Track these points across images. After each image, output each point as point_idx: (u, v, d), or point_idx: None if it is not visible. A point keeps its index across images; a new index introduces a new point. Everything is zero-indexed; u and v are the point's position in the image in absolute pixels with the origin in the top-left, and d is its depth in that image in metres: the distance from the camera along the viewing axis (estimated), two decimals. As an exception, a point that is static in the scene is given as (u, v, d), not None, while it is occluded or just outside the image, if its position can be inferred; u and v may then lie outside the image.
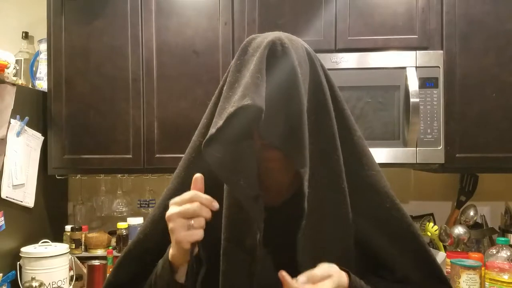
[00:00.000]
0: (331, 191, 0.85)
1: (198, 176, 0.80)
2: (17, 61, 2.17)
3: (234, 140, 0.77)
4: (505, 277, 1.64)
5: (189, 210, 0.77)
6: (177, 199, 0.79)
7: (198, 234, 0.77)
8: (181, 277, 0.84)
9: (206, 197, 0.78)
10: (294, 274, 0.76)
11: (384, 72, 1.88)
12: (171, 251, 0.83)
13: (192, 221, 0.77)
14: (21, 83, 2.09)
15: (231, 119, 0.76)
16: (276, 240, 0.85)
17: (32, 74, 2.28)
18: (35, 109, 2.03)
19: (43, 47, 2.17)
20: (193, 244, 0.78)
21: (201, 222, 0.77)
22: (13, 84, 1.85)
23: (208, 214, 0.78)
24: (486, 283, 1.69)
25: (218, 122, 0.78)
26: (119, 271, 0.95)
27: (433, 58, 1.87)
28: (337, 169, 0.85)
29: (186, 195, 0.79)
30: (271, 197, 0.88)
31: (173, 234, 0.78)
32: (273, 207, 0.87)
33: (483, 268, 1.73)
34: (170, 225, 0.78)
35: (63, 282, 1.85)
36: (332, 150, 0.85)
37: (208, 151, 0.78)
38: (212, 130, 0.77)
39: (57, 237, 2.13)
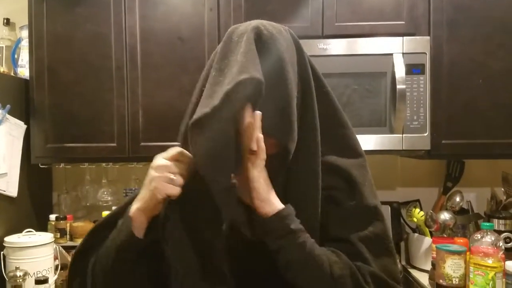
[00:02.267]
0: (308, 168, 0.88)
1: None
2: (-2, 48, 2.13)
3: (227, 122, 0.76)
4: (489, 261, 1.66)
5: (175, 167, 0.81)
6: (165, 153, 0.83)
7: (175, 189, 0.80)
8: (139, 233, 0.85)
9: (189, 155, 0.82)
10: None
11: (371, 58, 1.87)
12: (136, 205, 0.84)
13: (174, 177, 0.80)
14: (3, 71, 2.06)
15: (229, 96, 0.74)
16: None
17: (14, 61, 2.24)
18: (17, 97, 1.99)
19: (25, 34, 2.12)
20: (165, 199, 0.82)
21: (181, 180, 0.81)
22: (-6, 72, 1.82)
23: (187, 177, 0.82)
24: (470, 267, 1.70)
25: (211, 102, 0.75)
26: (88, 240, 0.97)
27: (420, 44, 1.86)
28: (315, 157, 0.87)
29: (174, 150, 0.83)
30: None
31: (152, 182, 0.81)
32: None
33: (468, 253, 1.74)
34: (153, 174, 0.81)
35: (48, 272, 1.83)
36: (313, 138, 0.87)
37: (195, 132, 0.77)
38: (206, 109, 0.75)
39: (42, 227, 2.11)
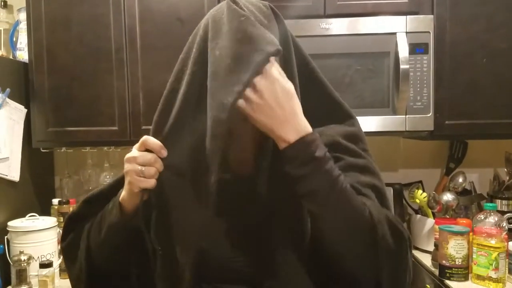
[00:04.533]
0: None
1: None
2: (-4, 32, 2.10)
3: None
4: (492, 242, 1.66)
5: (143, 158, 0.83)
6: (136, 144, 0.85)
7: (148, 182, 0.82)
8: (128, 217, 0.88)
9: (154, 141, 0.83)
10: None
11: (374, 38, 1.84)
12: (123, 192, 0.88)
13: (144, 169, 0.82)
14: (2, 54, 2.03)
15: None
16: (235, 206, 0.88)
17: (12, 44, 2.21)
18: (16, 80, 1.97)
19: (23, 16, 2.09)
20: (143, 190, 0.84)
21: (151, 171, 0.82)
22: (-8, 55, 1.80)
23: (160, 167, 0.83)
24: (473, 248, 1.71)
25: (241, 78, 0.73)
26: (82, 208, 0.99)
27: (423, 23, 1.84)
28: None
29: (141, 139, 0.84)
30: (240, 166, 0.90)
31: (126, 176, 0.84)
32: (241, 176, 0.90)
33: (471, 234, 1.75)
34: (125, 167, 0.84)
35: (52, 255, 1.84)
36: None
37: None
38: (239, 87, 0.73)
39: (45, 211, 2.11)
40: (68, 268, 1.02)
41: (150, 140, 0.83)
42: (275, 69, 0.75)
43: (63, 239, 1.02)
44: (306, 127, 0.77)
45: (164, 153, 0.83)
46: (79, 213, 0.99)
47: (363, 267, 0.81)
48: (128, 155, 0.84)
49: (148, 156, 0.83)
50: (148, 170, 0.82)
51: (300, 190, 0.77)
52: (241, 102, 0.74)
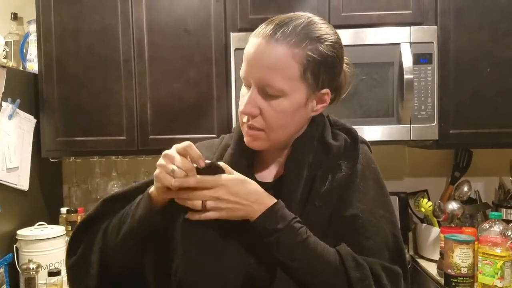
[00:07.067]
0: None
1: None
2: (6, 43, 2.14)
3: None
4: (498, 250, 1.66)
5: (182, 162, 0.82)
6: (179, 145, 0.84)
7: (172, 181, 0.82)
8: (156, 210, 0.89)
9: (196, 150, 0.83)
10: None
11: (378, 48, 1.86)
12: (152, 187, 0.89)
13: (176, 169, 0.81)
14: (12, 65, 2.07)
15: None
16: None
17: (22, 56, 2.25)
18: (26, 91, 2.00)
19: (33, 28, 2.13)
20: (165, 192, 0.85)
21: (182, 173, 0.82)
22: (3, 67, 1.83)
23: (191, 172, 0.82)
24: (479, 257, 1.71)
25: None
26: (99, 208, 0.98)
27: (427, 33, 1.85)
28: None
29: (185, 143, 0.83)
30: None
31: (157, 168, 0.84)
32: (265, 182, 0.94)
33: (476, 243, 1.75)
34: (159, 161, 0.84)
35: (60, 264, 1.86)
36: None
37: None
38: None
39: (53, 220, 2.13)
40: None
41: (193, 148, 0.83)
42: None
43: (70, 253, 0.98)
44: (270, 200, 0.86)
45: (202, 163, 0.83)
46: (96, 215, 0.98)
47: None
48: (165, 152, 0.84)
49: (187, 163, 0.82)
50: (178, 172, 0.81)
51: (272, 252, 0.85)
52: (211, 214, 0.84)
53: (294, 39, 0.85)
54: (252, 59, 0.87)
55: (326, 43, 0.87)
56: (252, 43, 0.88)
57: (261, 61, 0.85)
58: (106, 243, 0.93)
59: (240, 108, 0.90)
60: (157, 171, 0.84)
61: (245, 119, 0.90)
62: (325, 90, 0.91)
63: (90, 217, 0.98)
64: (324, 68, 0.88)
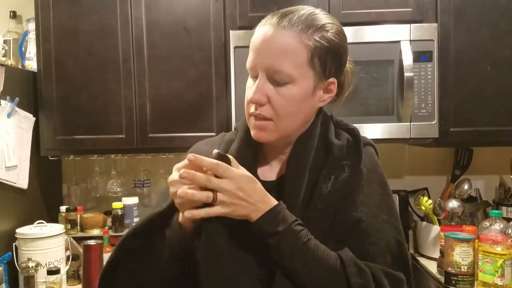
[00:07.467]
0: None
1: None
2: (5, 41, 2.13)
3: None
4: (498, 249, 1.66)
5: (195, 176, 0.78)
6: (179, 164, 0.83)
7: (198, 211, 0.80)
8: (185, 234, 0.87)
9: (208, 159, 0.80)
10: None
11: (378, 46, 1.85)
12: (179, 217, 0.87)
13: (196, 193, 0.79)
14: (11, 64, 2.06)
15: None
16: None
17: (21, 54, 2.25)
18: (25, 90, 2.00)
19: (32, 26, 2.13)
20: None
21: (204, 195, 0.79)
22: (2, 65, 1.82)
23: (217, 187, 0.80)
24: (479, 255, 1.70)
25: None
26: (122, 248, 0.93)
27: (427, 31, 1.85)
28: None
29: (182, 162, 0.82)
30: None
31: (173, 197, 0.82)
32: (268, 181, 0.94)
33: (476, 241, 1.74)
34: (171, 189, 0.82)
35: (59, 262, 1.86)
36: None
37: None
38: None
39: (52, 218, 2.13)
40: None
41: (204, 158, 0.80)
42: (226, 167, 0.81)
43: None
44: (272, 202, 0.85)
45: (215, 150, 0.82)
46: (121, 253, 0.93)
47: None
48: (171, 178, 0.82)
49: (202, 177, 0.79)
50: (200, 194, 0.79)
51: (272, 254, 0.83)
52: (217, 209, 0.80)
53: (300, 26, 0.86)
54: (260, 47, 0.87)
55: (331, 31, 0.88)
56: (259, 32, 0.88)
57: (270, 47, 0.86)
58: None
59: (248, 97, 0.89)
60: (177, 200, 0.82)
61: (252, 109, 0.89)
62: (332, 79, 0.91)
63: (114, 259, 0.93)
64: (331, 56, 0.88)
